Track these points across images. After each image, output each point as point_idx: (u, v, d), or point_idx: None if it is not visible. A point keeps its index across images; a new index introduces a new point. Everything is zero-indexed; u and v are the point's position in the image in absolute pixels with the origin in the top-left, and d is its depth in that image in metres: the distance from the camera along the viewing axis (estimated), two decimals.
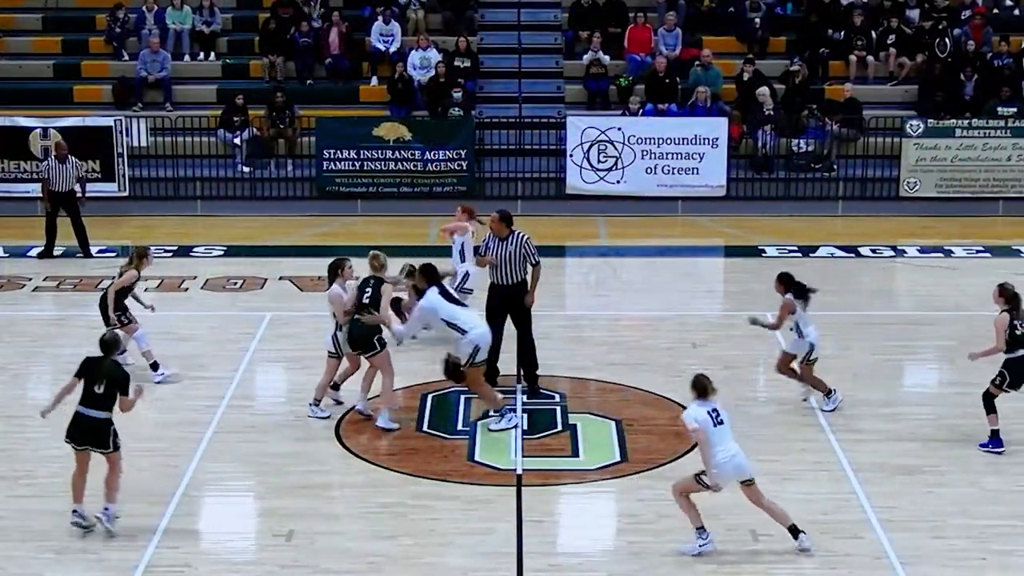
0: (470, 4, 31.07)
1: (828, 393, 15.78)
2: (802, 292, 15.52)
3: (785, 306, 15.51)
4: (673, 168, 26.75)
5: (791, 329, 15.64)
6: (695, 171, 26.73)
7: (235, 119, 27.40)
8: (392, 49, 29.32)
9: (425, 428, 15.46)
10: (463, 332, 14.78)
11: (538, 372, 16.52)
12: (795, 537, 12.28)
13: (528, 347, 16.48)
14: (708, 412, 12.10)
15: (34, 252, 23.33)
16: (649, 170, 26.81)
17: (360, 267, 15.89)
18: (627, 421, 15.42)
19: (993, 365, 14.78)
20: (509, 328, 16.45)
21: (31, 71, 29.75)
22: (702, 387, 12.19)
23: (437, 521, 12.97)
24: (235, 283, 21.65)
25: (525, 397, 16.24)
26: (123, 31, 29.99)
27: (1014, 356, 14.48)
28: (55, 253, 23.23)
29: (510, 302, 16.32)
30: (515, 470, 14.20)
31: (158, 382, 16.56)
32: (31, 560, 12.21)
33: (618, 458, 14.54)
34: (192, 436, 14.95)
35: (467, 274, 18.22)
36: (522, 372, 16.57)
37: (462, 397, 16.17)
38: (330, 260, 15.81)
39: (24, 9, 31.56)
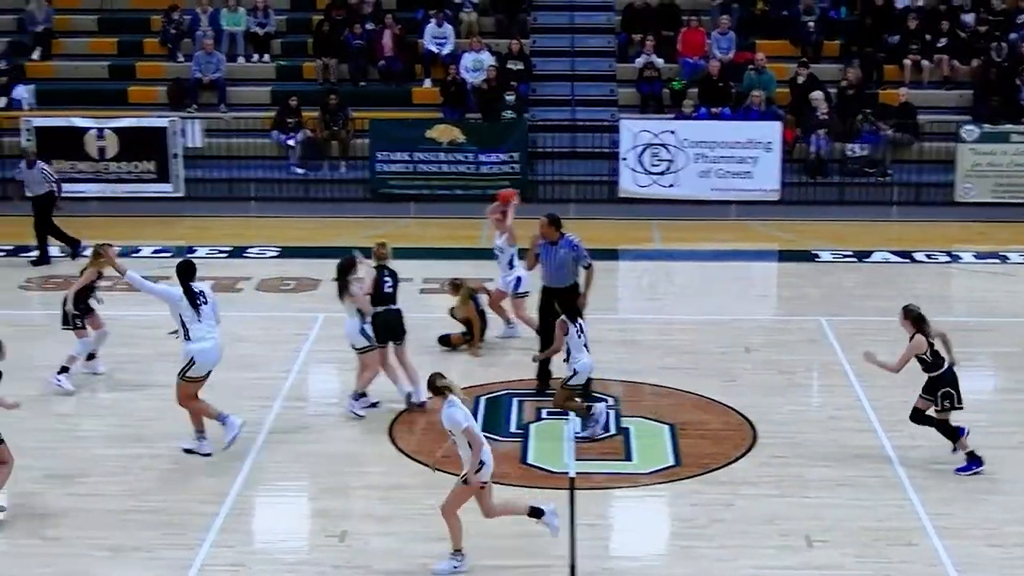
0: (523, 7, 31.10)
1: (587, 412, 15.23)
2: (573, 315, 15.16)
3: (559, 325, 15.15)
4: (726, 172, 26.71)
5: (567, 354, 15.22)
6: (749, 175, 26.67)
7: (289, 121, 27.54)
8: (445, 51, 29.40)
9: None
10: (187, 340, 14.35)
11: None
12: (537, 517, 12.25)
13: None
14: (464, 407, 12.00)
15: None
16: (702, 174, 26.77)
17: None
18: (681, 425, 15.37)
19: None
20: None
21: (87, 72, 30.04)
22: (441, 388, 11.97)
23: (489, 524, 12.96)
24: (289, 284, 21.74)
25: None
26: (178, 32, 30.20)
27: (942, 372, 14.04)
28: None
29: (561, 305, 16.29)
30: (568, 473, 14.18)
31: (56, 384, 16.42)
32: (87, 558, 12.29)
33: (672, 462, 14.50)
34: (246, 435, 14.99)
35: (518, 279, 18.20)
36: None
37: (515, 400, 16.19)
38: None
39: (80, 10, 31.86)
